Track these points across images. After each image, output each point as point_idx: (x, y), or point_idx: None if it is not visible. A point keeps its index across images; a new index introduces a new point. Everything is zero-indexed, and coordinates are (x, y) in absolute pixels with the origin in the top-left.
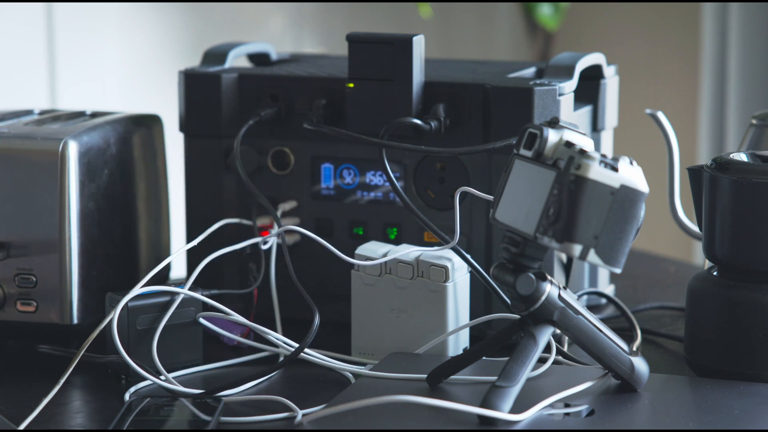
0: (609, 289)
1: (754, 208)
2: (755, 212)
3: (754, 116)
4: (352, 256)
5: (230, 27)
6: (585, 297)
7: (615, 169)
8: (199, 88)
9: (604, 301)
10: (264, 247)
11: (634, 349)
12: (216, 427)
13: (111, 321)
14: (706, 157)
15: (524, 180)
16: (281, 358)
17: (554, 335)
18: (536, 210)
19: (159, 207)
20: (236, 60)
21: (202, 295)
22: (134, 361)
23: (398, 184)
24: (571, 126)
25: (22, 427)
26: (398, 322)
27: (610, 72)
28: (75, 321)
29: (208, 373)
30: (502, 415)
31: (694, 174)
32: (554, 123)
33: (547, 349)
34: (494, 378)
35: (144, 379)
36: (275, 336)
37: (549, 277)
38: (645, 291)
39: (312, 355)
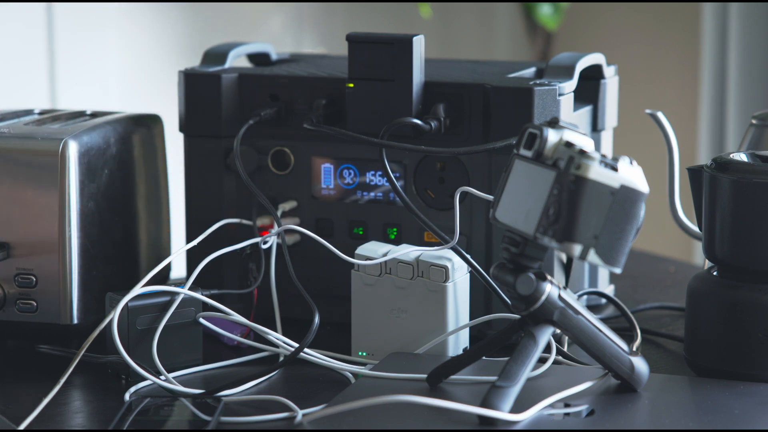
0: (609, 289)
1: (754, 208)
2: (755, 212)
3: (754, 116)
4: (352, 256)
5: (230, 27)
6: (585, 297)
7: (615, 169)
8: (199, 88)
9: (604, 301)
10: (264, 247)
11: (634, 349)
12: (216, 427)
13: (111, 321)
14: (706, 157)
15: (524, 180)
16: (281, 358)
17: (554, 335)
18: (536, 210)
19: (159, 207)
20: (236, 60)
21: (202, 295)
22: (134, 361)
23: (398, 184)
24: (571, 126)
25: (22, 427)
26: (398, 322)
27: (610, 72)
28: (75, 321)
29: (208, 373)
30: (502, 415)
31: (694, 174)
32: (554, 123)
33: (547, 349)
34: (494, 378)
35: (144, 379)
36: (275, 336)
37: (549, 277)
38: (645, 291)
39: (312, 355)
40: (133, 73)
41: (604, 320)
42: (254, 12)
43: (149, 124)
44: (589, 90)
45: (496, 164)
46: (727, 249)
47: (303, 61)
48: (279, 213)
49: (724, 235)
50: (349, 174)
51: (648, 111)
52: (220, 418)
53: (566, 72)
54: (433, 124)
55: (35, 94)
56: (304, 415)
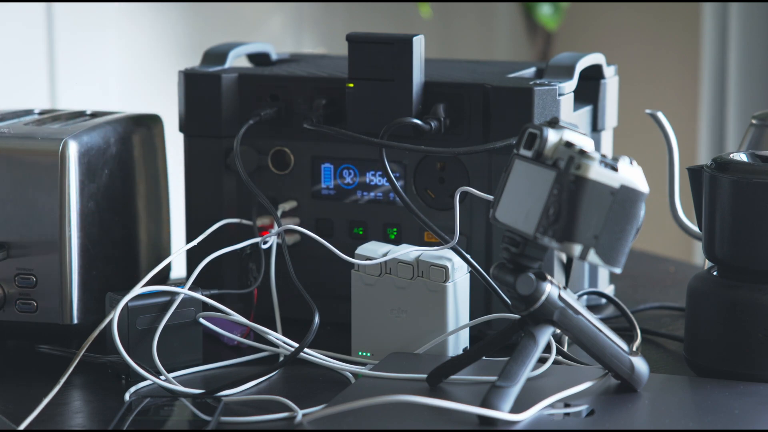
0: (609, 289)
1: (754, 208)
2: (755, 212)
3: (754, 116)
4: (352, 256)
5: (230, 27)
6: (585, 297)
7: (615, 169)
8: (199, 88)
9: (604, 301)
10: (264, 247)
11: (634, 349)
12: (216, 427)
13: (111, 321)
14: (706, 157)
15: (524, 180)
16: (281, 358)
17: (554, 335)
18: (536, 210)
19: (159, 207)
20: (236, 60)
21: (202, 295)
22: (134, 361)
23: (398, 184)
24: (571, 126)
25: (22, 427)
26: (398, 322)
27: (610, 72)
28: (75, 321)
29: (208, 373)
30: (502, 415)
31: (694, 174)
32: (554, 123)
33: (547, 349)
34: (494, 378)
35: (144, 379)
36: (275, 336)
37: (549, 277)
38: (645, 291)
39: (312, 355)
40: (133, 73)
41: (604, 320)
42: (254, 12)
43: (149, 124)
44: (589, 90)
45: (496, 164)
46: (727, 249)
47: (303, 61)
48: (279, 213)
49: (724, 235)
50: (349, 174)
51: (648, 111)
52: (220, 418)
53: (566, 72)
54: (433, 124)
55: (35, 94)
56: (304, 415)
